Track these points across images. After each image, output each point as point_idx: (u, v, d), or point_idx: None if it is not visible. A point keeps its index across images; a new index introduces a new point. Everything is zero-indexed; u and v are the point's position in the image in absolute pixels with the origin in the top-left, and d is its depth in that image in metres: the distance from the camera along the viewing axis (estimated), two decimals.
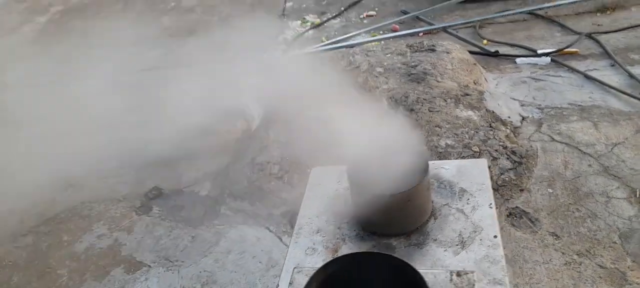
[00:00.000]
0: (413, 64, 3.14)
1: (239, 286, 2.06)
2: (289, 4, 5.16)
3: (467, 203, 1.33)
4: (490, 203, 1.31)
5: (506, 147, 2.45)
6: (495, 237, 1.22)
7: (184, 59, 4.42)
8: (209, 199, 2.60)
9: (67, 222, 2.65)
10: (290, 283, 1.10)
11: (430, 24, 4.18)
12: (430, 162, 1.50)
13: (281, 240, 2.24)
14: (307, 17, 4.76)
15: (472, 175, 1.43)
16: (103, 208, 2.71)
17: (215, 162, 2.85)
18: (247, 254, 2.21)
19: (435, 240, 1.25)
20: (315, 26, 4.62)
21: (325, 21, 4.68)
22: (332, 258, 0.95)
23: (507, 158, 2.39)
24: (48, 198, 2.86)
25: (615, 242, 1.94)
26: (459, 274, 1.01)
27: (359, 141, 1.37)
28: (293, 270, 1.12)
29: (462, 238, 1.23)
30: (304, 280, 1.05)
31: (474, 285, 0.98)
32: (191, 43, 4.79)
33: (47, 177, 2.86)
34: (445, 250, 1.21)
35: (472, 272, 1.01)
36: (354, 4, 5.03)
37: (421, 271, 1.00)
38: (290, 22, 4.77)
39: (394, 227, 1.29)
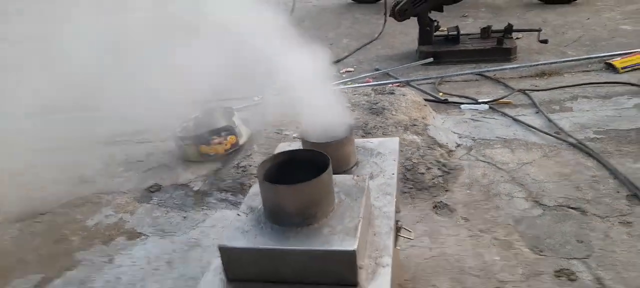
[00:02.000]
0: (375, 102, 3.84)
1: None
2: None
3: (380, 159, 1.96)
4: (394, 158, 1.94)
5: (439, 161, 3.09)
6: (392, 174, 1.83)
7: None
8: (200, 193, 3.18)
9: (80, 206, 3.19)
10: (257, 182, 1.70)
11: (397, 79, 4.95)
12: (362, 139, 2.14)
13: None
14: None
15: (387, 146, 2.06)
16: (111, 197, 3.27)
17: (208, 167, 3.45)
18: None
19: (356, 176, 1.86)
20: None
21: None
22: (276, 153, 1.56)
23: (439, 169, 3.02)
24: (64, 190, 3.42)
25: (509, 224, 2.53)
26: (358, 176, 1.61)
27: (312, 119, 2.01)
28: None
29: (372, 174, 1.85)
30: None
31: (365, 180, 1.58)
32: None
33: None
34: None
35: (367, 175, 1.61)
36: (336, 62, 5.84)
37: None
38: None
39: None
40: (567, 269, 2.17)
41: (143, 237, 2.80)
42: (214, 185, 3.21)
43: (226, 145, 3.52)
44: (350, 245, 1.29)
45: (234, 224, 1.45)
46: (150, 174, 3.51)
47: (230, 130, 3.54)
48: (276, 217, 1.41)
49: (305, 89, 1.95)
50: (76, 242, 2.80)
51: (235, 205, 2.98)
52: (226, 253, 1.36)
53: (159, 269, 2.49)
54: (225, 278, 1.41)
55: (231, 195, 3.05)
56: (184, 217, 2.94)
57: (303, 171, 1.55)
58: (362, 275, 1.34)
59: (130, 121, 3.95)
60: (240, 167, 3.24)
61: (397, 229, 1.72)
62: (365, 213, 1.46)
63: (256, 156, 3.32)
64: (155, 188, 3.29)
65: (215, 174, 3.36)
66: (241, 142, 3.60)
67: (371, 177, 1.83)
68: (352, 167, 1.92)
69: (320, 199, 1.39)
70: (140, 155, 3.88)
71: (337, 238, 1.32)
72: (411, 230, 1.83)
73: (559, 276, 2.14)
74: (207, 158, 3.53)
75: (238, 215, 1.50)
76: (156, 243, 2.71)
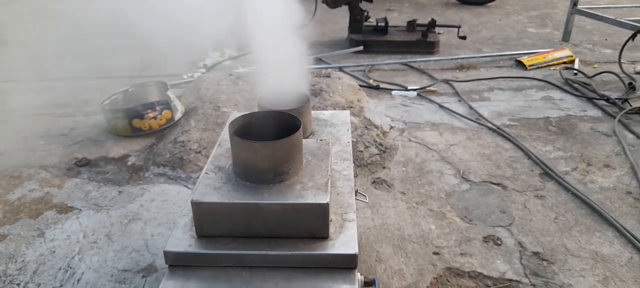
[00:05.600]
0: (312, 84, 3.92)
1: (161, 221, 2.54)
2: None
3: (334, 129, 2.04)
4: (347, 129, 2.03)
5: (376, 141, 3.25)
6: (348, 142, 1.92)
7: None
8: (134, 167, 3.06)
9: None
10: (219, 145, 1.70)
11: (329, 64, 5.08)
12: (314, 111, 2.21)
13: None
14: (227, 50, 5.46)
15: (339, 117, 2.16)
16: (33, 171, 3.04)
17: (141, 143, 3.32)
18: (169, 202, 2.71)
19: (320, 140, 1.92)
20: (233, 57, 5.32)
21: (242, 55, 5.41)
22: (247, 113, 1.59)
23: (376, 148, 3.18)
24: None
25: (442, 197, 2.75)
26: (321, 140, 1.68)
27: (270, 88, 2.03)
28: (219, 145, 1.73)
29: (329, 143, 1.92)
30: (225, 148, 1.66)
31: (328, 143, 1.66)
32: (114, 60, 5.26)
33: None
34: None
35: (329, 140, 1.69)
36: None
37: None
38: (211, 52, 5.43)
39: None
40: (494, 235, 2.41)
41: (75, 210, 2.65)
42: (149, 160, 3.10)
43: (161, 120, 3.41)
44: (323, 198, 1.36)
45: (204, 181, 1.45)
46: (76, 148, 3.31)
47: (165, 105, 3.44)
48: (249, 174, 1.43)
49: (267, 56, 1.98)
50: None
51: (175, 180, 2.91)
52: (199, 208, 1.37)
53: (97, 242, 2.38)
54: (195, 234, 1.42)
55: (170, 169, 2.98)
56: (120, 192, 2.82)
57: (268, 132, 1.59)
58: (331, 229, 1.41)
59: None
60: (178, 142, 3.16)
61: (354, 193, 1.82)
62: (332, 172, 1.53)
63: (194, 132, 3.26)
64: (83, 163, 3.11)
65: (150, 149, 3.24)
66: (176, 117, 3.51)
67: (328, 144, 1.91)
68: (309, 136, 1.99)
69: (293, 157, 1.44)
70: (63, 128, 3.64)
71: (310, 193, 1.38)
72: (365, 195, 1.94)
73: (487, 241, 2.37)
74: (139, 133, 3.40)
75: (206, 173, 1.50)
76: (91, 217, 2.58)
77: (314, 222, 1.37)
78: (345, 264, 1.35)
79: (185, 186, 2.85)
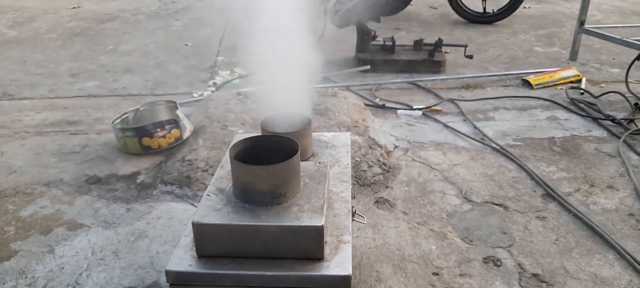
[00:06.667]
0: (318, 103, 3.99)
1: (167, 238, 2.60)
2: (220, 58, 5.97)
3: (334, 151, 2.10)
4: (347, 151, 2.09)
5: (379, 160, 3.30)
6: (347, 164, 1.98)
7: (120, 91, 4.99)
8: (143, 185, 3.14)
9: (12, 197, 3.03)
10: (221, 167, 1.77)
11: (336, 83, 5.15)
12: (316, 133, 2.27)
13: None
14: (236, 69, 5.57)
15: (340, 139, 2.21)
16: (45, 188, 3.13)
17: (150, 161, 3.40)
18: (175, 220, 2.77)
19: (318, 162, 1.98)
20: (242, 77, 5.42)
21: (252, 74, 5.50)
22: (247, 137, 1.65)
23: (379, 167, 3.22)
24: None
25: (443, 218, 2.77)
26: (320, 162, 1.73)
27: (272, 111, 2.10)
28: (221, 167, 1.80)
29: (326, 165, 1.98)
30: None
31: (326, 166, 1.71)
32: (127, 78, 5.38)
33: None
34: None
35: (327, 163, 1.74)
36: None
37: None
38: (221, 71, 5.54)
39: None
40: (494, 256, 2.44)
41: (85, 227, 2.72)
42: (157, 178, 3.18)
43: (170, 138, 3.50)
44: (319, 221, 1.41)
45: (205, 203, 1.51)
46: (87, 166, 3.40)
47: (174, 124, 3.52)
48: (247, 197, 1.49)
49: (271, 80, 2.05)
50: (11, 232, 2.67)
51: (182, 198, 2.98)
52: (199, 229, 1.43)
53: (105, 259, 2.45)
54: (195, 254, 1.47)
55: (177, 188, 3.05)
56: (128, 209, 2.89)
57: (269, 155, 1.65)
58: (327, 250, 1.46)
59: None
60: (186, 160, 3.24)
61: (352, 214, 1.86)
62: (329, 195, 1.58)
63: (202, 150, 3.33)
64: (94, 180, 3.20)
65: (158, 167, 3.32)
66: (185, 136, 3.59)
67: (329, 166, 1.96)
68: (309, 158, 2.04)
69: (290, 180, 1.50)
70: (75, 146, 3.74)
71: (306, 216, 1.44)
72: (363, 216, 1.98)
73: (487, 262, 2.39)
74: (148, 152, 3.48)
75: (208, 195, 1.56)
76: (99, 234, 2.65)
77: (310, 244, 1.42)
78: (339, 285, 1.40)
79: (192, 204, 2.91)
